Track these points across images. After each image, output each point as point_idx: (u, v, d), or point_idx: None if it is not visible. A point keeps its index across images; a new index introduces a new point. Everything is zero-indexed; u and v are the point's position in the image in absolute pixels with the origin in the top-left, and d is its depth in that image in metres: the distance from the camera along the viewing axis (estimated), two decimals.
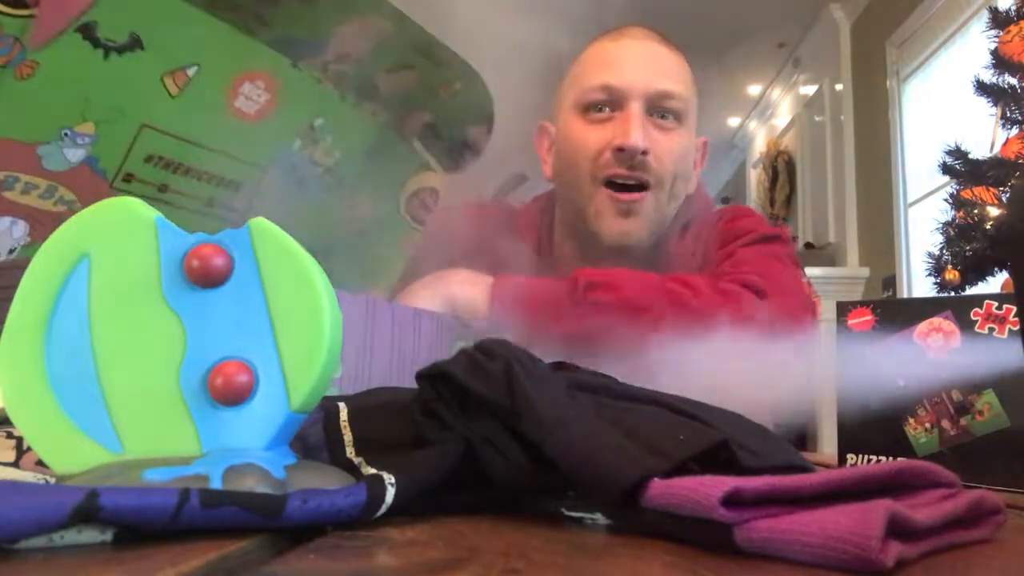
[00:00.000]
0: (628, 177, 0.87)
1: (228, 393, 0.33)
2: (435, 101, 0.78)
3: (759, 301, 0.79)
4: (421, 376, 0.39)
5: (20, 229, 0.34)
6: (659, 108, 0.88)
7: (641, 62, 0.89)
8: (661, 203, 0.89)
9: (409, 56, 0.68)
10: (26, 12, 0.51)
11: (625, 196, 0.87)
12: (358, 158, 0.78)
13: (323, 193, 0.75)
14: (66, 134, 0.58)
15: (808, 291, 0.90)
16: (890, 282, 3.75)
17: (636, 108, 0.86)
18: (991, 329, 0.56)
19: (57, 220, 0.42)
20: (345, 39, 0.64)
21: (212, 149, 0.64)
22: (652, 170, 0.87)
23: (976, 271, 2.14)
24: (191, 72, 0.57)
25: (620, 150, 0.86)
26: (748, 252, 0.87)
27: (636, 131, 0.85)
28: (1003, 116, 2.15)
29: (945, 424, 0.57)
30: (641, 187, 0.88)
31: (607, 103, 0.88)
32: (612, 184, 0.88)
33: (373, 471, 0.34)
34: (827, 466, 0.53)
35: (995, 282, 2.17)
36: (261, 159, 0.68)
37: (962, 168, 2.21)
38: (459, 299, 0.80)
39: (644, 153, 0.86)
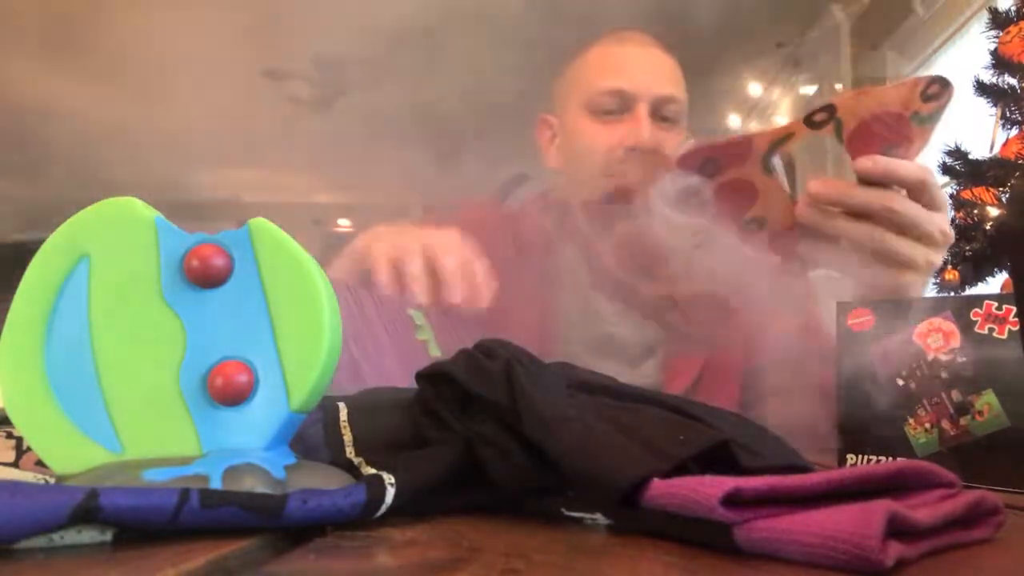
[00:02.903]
0: None
1: (228, 393, 0.33)
2: None
3: None
4: (421, 376, 0.39)
5: None
6: (661, 111, 0.95)
7: (648, 68, 0.98)
8: None
9: None
10: None
11: None
12: None
13: None
14: None
15: None
16: None
17: (644, 110, 0.94)
18: (991, 329, 0.56)
19: None
20: None
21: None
22: None
23: (976, 271, 2.14)
24: None
25: (632, 149, 0.93)
26: None
27: (647, 132, 0.93)
28: (1003, 116, 2.15)
29: (945, 424, 0.57)
30: None
31: (617, 104, 0.95)
32: None
33: (373, 471, 0.34)
34: (827, 466, 0.53)
35: (995, 282, 2.17)
36: None
37: (962, 168, 2.20)
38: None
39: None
